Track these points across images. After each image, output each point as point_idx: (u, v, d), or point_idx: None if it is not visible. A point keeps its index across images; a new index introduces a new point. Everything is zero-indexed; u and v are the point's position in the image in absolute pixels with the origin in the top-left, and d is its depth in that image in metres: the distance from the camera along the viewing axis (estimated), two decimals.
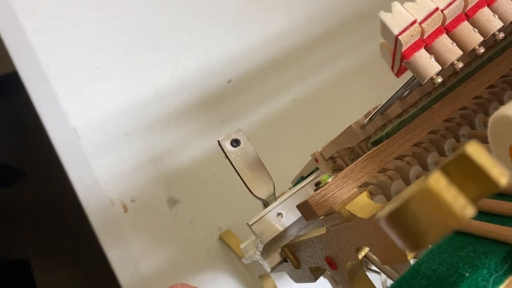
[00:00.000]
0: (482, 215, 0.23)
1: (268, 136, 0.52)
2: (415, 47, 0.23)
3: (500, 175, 0.10)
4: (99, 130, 0.48)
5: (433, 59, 0.23)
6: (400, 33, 0.21)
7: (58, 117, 0.47)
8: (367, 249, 0.22)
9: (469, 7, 0.24)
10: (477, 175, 0.10)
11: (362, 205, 0.20)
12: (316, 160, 0.33)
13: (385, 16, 0.22)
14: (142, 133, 0.49)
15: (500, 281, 0.19)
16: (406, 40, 0.22)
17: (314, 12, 0.59)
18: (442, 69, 0.23)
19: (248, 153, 0.34)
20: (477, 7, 0.24)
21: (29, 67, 0.47)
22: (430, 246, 0.18)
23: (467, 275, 0.19)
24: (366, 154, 0.23)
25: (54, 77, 0.48)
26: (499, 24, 0.24)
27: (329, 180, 0.22)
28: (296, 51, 0.56)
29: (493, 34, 0.25)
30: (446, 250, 0.21)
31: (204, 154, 0.50)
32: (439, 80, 0.23)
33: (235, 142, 0.33)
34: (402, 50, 0.22)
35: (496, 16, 0.25)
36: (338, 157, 0.32)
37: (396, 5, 0.22)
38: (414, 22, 0.21)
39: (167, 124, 0.49)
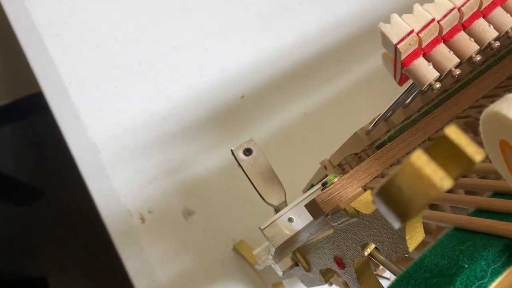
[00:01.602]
0: (483, 213, 0.24)
1: (279, 149, 0.53)
2: (413, 55, 0.24)
3: (475, 152, 0.12)
4: (118, 145, 0.50)
5: (431, 67, 0.24)
6: (399, 42, 0.23)
7: (80, 132, 0.49)
8: (372, 246, 0.23)
9: (465, 18, 0.26)
10: (455, 153, 0.12)
11: (366, 202, 0.22)
12: (325, 167, 0.34)
13: (384, 27, 0.23)
14: (159, 147, 0.51)
15: (499, 272, 0.20)
16: (405, 49, 0.23)
17: (323, 27, 0.61)
18: (440, 75, 0.24)
19: (260, 161, 0.35)
20: (473, 18, 0.26)
21: (53, 86, 0.50)
22: (418, 219, 0.19)
23: (466, 266, 0.20)
24: (370, 157, 0.25)
25: (76, 95, 0.50)
26: (494, 34, 0.26)
27: (335, 180, 0.24)
28: (306, 65, 0.58)
29: (489, 43, 0.26)
30: (448, 245, 0.22)
31: (218, 166, 0.52)
32: (437, 86, 0.24)
33: (248, 151, 0.35)
34: (402, 58, 0.24)
35: (491, 26, 0.26)
36: (345, 164, 0.33)
37: (394, 16, 0.24)
38: (412, 31, 0.23)
39: (183, 138, 0.51)
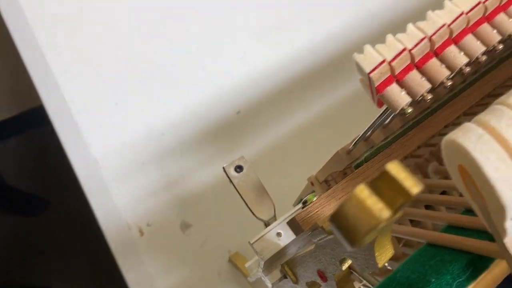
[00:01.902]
0: (454, 229, 0.25)
1: (275, 161, 0.55)
2: (387, 82, 0.26)
3: (412, 186, 0.13)
4: (118, 160, 0.52)
5: (403, 93, 0.26)
6: (371, 71, 0.25)
7: (81, 148, 0.51)
8: (349, 261, 0.25)
9: (437, 45, 0.27)
10: (395, 187, 0.14)
11: None
12: (312, 184, 0.36)
13: (358, 57, 0.25)
14: (157, 162, 0.53)
15: (463, 286, 0.22)
16: (377, 77, 0.25)
17: (316, 43, 0.63)
18: (413, 100, 0.26)
19: (250, 178, 0.37)
20: (444, 45, 0.28)
21: (55, 103, 0.52)
22: (366, 243, 0.21)
23: (433, 280, 0.22)
24: (348, 176, 0.27)
25: (77, 112, 0.52)
26: (465, 60, 0.28)
27: (314, 199, 0.25)
28: (300, 80, 0.60)
29: (460, 69, 0.28)
30: (419, 260, 0.24)
31: (214, 180, 0.54)
32: (409, 110, 0.26)
33: (239, 168, 0.37)
34: (375, 86, 0.26)
35: (462, 53, 0.28)
36: (331, 180, 0.35)
37: (367, 47, 0.25)
38: (383, 61, 0.25)
39: (180, 154, 0.53)
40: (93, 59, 0.55)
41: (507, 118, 0.19)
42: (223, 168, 0.37)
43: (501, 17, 0.29)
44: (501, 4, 0.30)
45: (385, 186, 0.14)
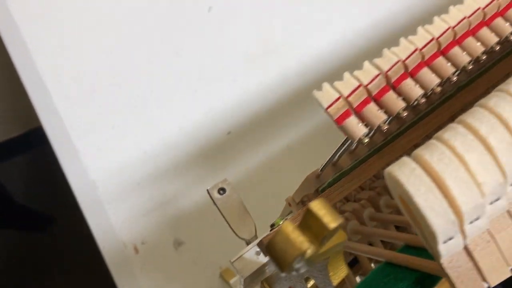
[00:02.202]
0: (408, 248, 0.28)
1: (263, 181, 0.57)
2: (345, 115, 0.28)
3: (330, 221, 0.16)
4: (114, 181, 0.55)
5: (360, 124, 0.28)
6: (328, 107, 0.27)
7: (79, 171, 0.54)
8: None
9: (393, 80, 0.30)
10: (317, 222, 0.16)
11: None
12: (289, 204, 0.38)
13: (316, 94, 0.28)
14: (152, 182, 0.56)
15: None
16: (334, 112, 0.28)
17: (303, 66, 0.66)
18: (370, 131, 0.29)
19: (232, 199, 0.39)
20: (401, 79, 0.30)
21: (55, 128, 0.55)
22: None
23: None
24: (312, 201, 0.29)
25: (76, 136, 0.55)
26: (420, 92, 0.30)
27: (281, 223, 0.28)
28: (288, 101, 0.63)
29: (416, 100, 0.30)
30: (376, 278, 0.26)
31: (206, 199, 0.56)
32: (366, 140, 0.28)
33: (222, 190, 0.39)
34: (334, 119, 0.28)
35: (418, 85, 0.31)
36: (307, 201, 0.37)
37: (325, 85, 0.28)
38: (339, 98, 0.27)
39: (174, 174, 0.56)
40: (90, 85, 0.59)
41: (439, 152, 0.22)
42: (207, 190, 0.39)
43: (456, 51, 0.32)
44: (455, 39, 0.32)
45: (311, 221, 0.16)
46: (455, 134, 0.22)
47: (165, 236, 0.54)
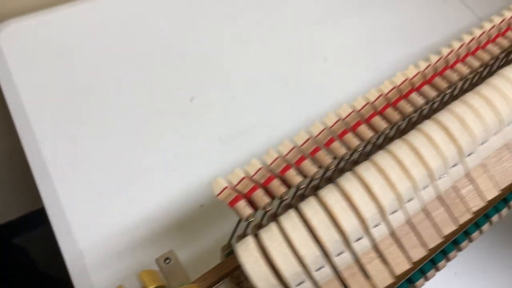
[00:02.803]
0: None
1: None
2: (235, 200, 0.37)
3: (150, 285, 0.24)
4: (99, 251, 0.64)
5: (247, 206, 0.37)
6: (218, 194, 0.36)
7: (71, 243, 0.64)
8: None
9: (278, 170, 0.39)
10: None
11: None
12: None
13: (212, 183, 0.37)
14: (131, 251, 0.64)
15: None
16: (223, 198, 0.36)
17: (274, 143, 0.75)
18: (255, 211, 0.37)
19: (176, 267, 0.48)
20: (286, 169, 0.39)
21: (54, 208, 0.66)
22: None
23: None
24: (214, 267, 0.37)
25: (69, 212, 0.66)
26: (300, 179, 0.38)
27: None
28: None
29: (298, 185, 0.39)
30: None
31: None
32: (251, 219, 0.36)
33: (167, 259, 0.48)
34: (226, 203, 0.37)
35: (299, 174, 0.39)
36: None
37: (217, 179, 0.37)
38: (226, 188, 0.36)
39: (150, 244, 0.65)
40: (85, 169, 0.70)
41: (270, 231, 0.29)
42: (155, 260, 0.48)
43: (321, 153, 0.40)
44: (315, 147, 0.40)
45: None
46: (287, 216, 0.30)
47: None
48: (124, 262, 0.63)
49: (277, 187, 0.38)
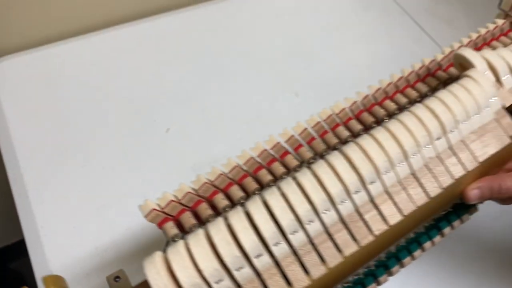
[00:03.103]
0: None
1: None
2: (164, 221, 0.41)
3: None
4: (68, 272, 0.68)
5: (174, 228, 0.41)
6: (146, 216, 0.40)
7: (43, 263, 0.68)
8: None
9: (207, 195, 0.43)
10: None
11: None
12: None
13: (140, 206, 0.41)
14: (98, 273, 0.68)
15: None
16: (151, 219, 0.40)
17: None
18: (182, 232, 0.41)
19: (125, 285, 0.51)
20: (212, 194, 0.43)
21: (30, 228, 0.71)
22: None
23: None
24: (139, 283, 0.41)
25: (44, 235, 0.70)
26: (227, 203, 0.42)
27: None
28: None
29: (224, 208, 0.43)
30: None
31: None
32: (177, 239, 0.40)
33: (117, 278, 0.52)
34: (156, 223, 0.41)
35: (226, 200, 0.43)
36: None
37: (146, 201, 0.41)
38: (152, 210, 0.40)
39: (117, 266, 0.68)
40: (63, 194, 0.75)
41: (175, 247, 0.33)
42: (106, 277, 0.52)
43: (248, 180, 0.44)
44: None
45: None
46: (193, 234, 0.34)
47: None
48: (91, 283, 0.67)
49: (205, 209, 0.42)
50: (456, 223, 0.55)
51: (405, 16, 1.12)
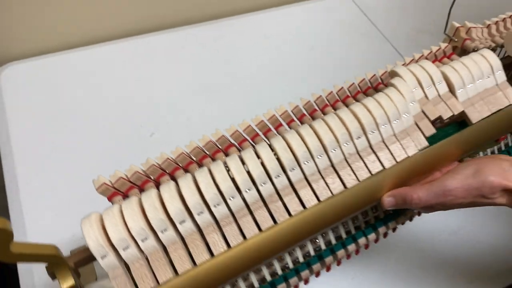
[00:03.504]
0: None
1: None
2: (113, 195, 0.47)
3: None
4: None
5: (121, 200, 0.47)
6: (98, 188, 0.47)
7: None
8: None
9: (155, 175, 0.49)
10: None
11: None
12: None
13: (93, 180, 0.47)
14: None
15: None
16: (101, 192, 0.47)
17: None
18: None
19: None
20: (160, 175, 0.49)
21: (16, 215, 0.77)
22: None
23: None
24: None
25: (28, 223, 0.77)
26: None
27: None
28: None
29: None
30: None
31: None
32: None
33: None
34: (106, 196, 0.47)
35: (170, 179, 0.49)
36: None
37: (99, 176, 0.48)
38: (103, 184, 0.47)
39: None
40: (50, 188, 0.81)
41: (110, 209, 0.40)
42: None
43: (194, 166, 0.51)
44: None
45: None
46: (127, 200, 0.41)
47: None
48: None
49: (150, 188, 0.48)
50: (391, 224, 0.60)
51: (386, 43, 1.19)
